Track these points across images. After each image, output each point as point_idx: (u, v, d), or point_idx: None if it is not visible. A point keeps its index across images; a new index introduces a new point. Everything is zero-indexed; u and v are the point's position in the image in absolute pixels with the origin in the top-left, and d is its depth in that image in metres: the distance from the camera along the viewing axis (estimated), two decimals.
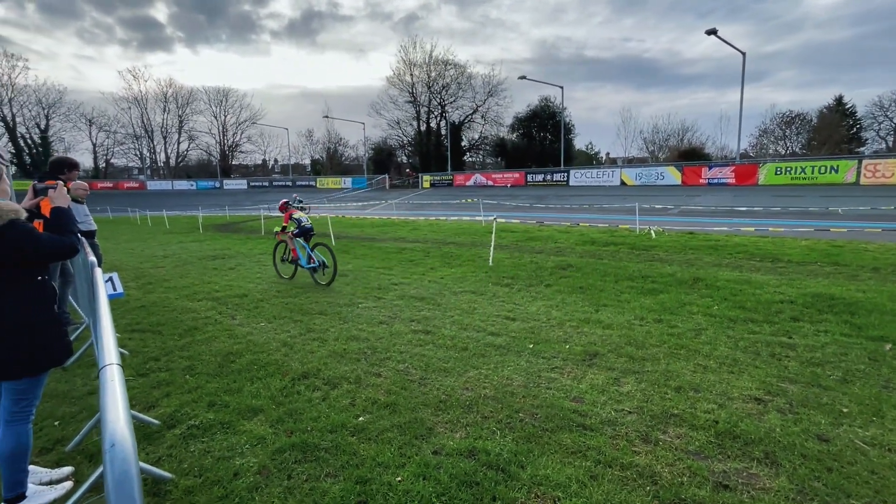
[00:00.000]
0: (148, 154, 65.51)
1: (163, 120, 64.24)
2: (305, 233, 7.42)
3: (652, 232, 11.79)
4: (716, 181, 27.70)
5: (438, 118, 55.56)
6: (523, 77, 38.18)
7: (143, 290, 7.41)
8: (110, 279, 4.40)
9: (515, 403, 3.20)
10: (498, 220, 10.20)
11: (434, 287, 6.91)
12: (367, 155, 57.06)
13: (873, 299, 5.33)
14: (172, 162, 66.03)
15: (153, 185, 56.32)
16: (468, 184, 41.11)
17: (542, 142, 49.74)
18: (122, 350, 4.30)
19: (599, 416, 2.99)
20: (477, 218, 17.42)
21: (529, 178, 37.33)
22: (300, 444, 2.75)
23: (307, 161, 68.60)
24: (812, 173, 24.53)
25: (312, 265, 7.29)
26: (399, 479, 2.40)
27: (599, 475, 2.41)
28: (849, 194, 20.73)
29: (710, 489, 2.29)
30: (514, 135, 52.27)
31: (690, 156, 41.66)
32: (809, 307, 5.16)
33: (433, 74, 53.71)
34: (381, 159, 56.87)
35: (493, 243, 9.12)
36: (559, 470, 2.45)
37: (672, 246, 9.83)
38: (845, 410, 2.99)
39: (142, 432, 2.92)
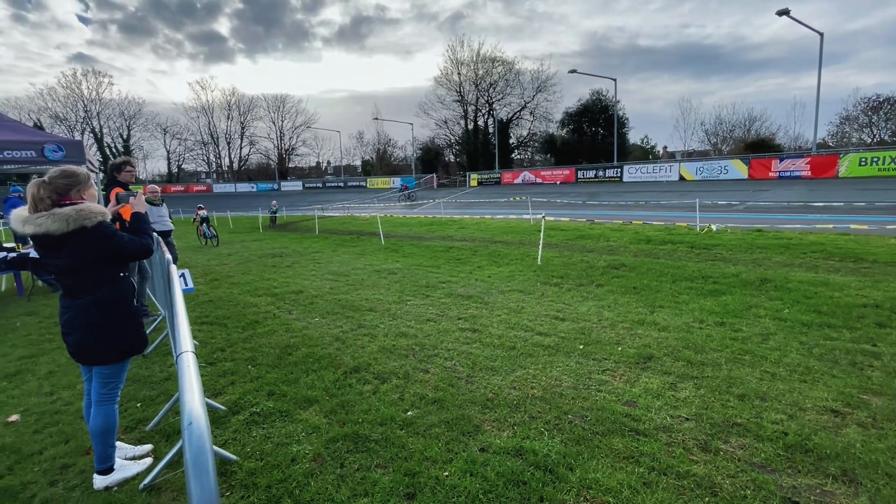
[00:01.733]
0: (214, 159, 70.38)
1: (227, 127, 68.83)
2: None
3: (713, 227, 11.09)
4: (788, 174, 25.55)
5: (486, 116, 55.36)
6: (574, 70, 37.14)
7: (210, 285, 7.99)
8: (182, 275, 4.79)
9: (564, 405, 3.14)
10: (547, 218, 10.01)
11: (481, 285, 6.91)
12: (414, 155, 57.93)
13: None
14: (235, 166, 70.52)
15: (219, 187, 60.43)
16: (516, 182, 40.63)
17: (593, 137, 48.16)
18: (195, 342, 4.67)
19: (654, 422, 2.87)
20: (525, 216, 17.19)
21: (580, 174, 36.28)
22: (352, 434, 2.86)
23: (358, 162, 70.81)
24: None
25: None
26: (446, 473, 2.44)
27: (653, 482, 2.31)
28: None
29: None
30: (564, 130, 50.98)
31: (759, 147, 38.65)
32: None
33: (480, 72, 53.57)
34: (429, 159, 57.52)
35: (541, 241, 8.97)
36: (610, 475, 2.38)
37: (737, 245, 9.20)
38: None
39: (211, 417, 3.16)
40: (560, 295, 6.15)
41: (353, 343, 4.56)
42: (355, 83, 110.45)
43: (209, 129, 68.21)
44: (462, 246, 11.24)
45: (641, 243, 10.19)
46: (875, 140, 46.50)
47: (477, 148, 53.86)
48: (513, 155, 56.11)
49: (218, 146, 69.78)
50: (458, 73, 54.34)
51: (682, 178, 30.14)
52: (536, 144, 55.90)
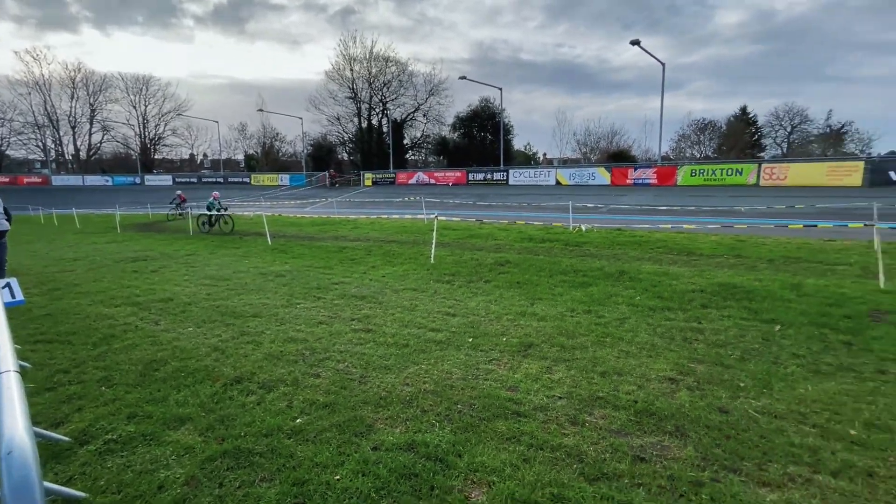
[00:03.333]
0: (53, 145, 58.76)
1: (71, 108, 57.95)
2: None
3: (582, 227, 12.49)
4: (640, 181, 29.81)
5: (380, 115, 54.86)
6: (463, 77, 38.74)
7: (48, 296, 6.68)
8: (7, 285, 3.94)
9: (454, 396, 3.29)
10: (439, 218, 10.31)
11: (376, 285, 6.87)
12: (305, 151, 55.08)
13: (767, 287, 6.05)
14: (83, 154, 59.70)
15: (59, 179, 50.66)
16: (411, 182, 41.01)
17: (482, 141, 50.72)
18: (24, 363, 3.87)
19: (532, 403, 3.16)
20: (419, 216, 17.45)
21: (471, 176, 37.97)
22: (232, 450, 2.65)
23: (240, 156, 64.98)
24: (721, 175, 27.16)
25: None
26: (338, 477, 2.40)
27: (531, 458, 2.55)
28: (750, 194, 23.20)
29: (629, 462, 2.51)
30: (456, 134, 52.83)
31: (619, 157, 44.46)
32: (716, 295, 5.76)
33: (374, 71, 52.90)
34: (321, 156, 55.15)
35: (434, 241, 9.21)
36: (494, 456, 2.56)
37: (601, 242, 10.49)
38: (742, 385, 3.38)
39: (49, 451, 2.66)
40: (452, 291, 6.40)
41: (234, 352, 4.20)
42: (235, 70, 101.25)
43: (45, 109, 56.70)
44: (356, 246, 11.02)
45: (524, 241, 11.06)
46: (702, 155, 56.46)
47: (371, 147, 53.12)
48: (407, 155, 56.48)
49: (58, 130, 58.42)
50: (352, 70, 52.96)
51: (558, 183, 33.32)
52: (430, 146, 57.04)
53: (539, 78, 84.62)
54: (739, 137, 52.62)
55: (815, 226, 9.25)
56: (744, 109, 53.49)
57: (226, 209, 16.17)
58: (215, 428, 2.90)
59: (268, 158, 61.10)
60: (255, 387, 3.48)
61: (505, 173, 36.33)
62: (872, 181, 22.48)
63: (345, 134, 56.91)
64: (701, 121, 56.44)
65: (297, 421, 2.96)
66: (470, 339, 4.43)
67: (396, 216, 18.44)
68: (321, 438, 2.76)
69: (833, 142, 52.28)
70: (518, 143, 57.47)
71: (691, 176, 28.19)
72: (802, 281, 6.34)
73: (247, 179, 50.07)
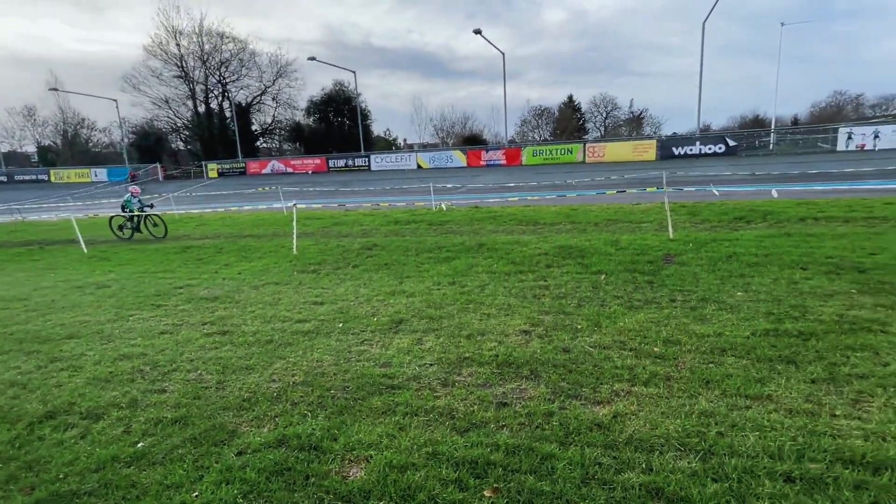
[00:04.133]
0: None
1: None
2: None
3: (443, 206, 13.08)
4: (492, 163, 32.27)
5: (220, 98, 48.86)
6: (313, 58, 36.65)
7: None
8: None
9: (326, 382, 3.19)
10: (300, 207, 9.72)
11: (230, 284, 6.21)
12: (125, 140, 46.29)
13: (594, 245, 7.15)
14: None
15: None
16: (265, 171, 37.72)
17: (340, 127, 49.00)
18: None
19: (406, 374, 3.24)
20: (276, 206, 16.21)
21: (331, 163, 36.50)
22: (48, 498, 2.17)
23: (31, 148, 51.73)
24: (556, 155, 30.99)
25: None
26: (195, 494, 2.14)
27: (406, 425, 2.63)
28: (579, 170, 27.00)
29: (494, 409, 2.76)
30: (311, 119, 50.02)
31: (472, 141, 47.36)
32: (557, 256, 6.60)
33: (207, 47, 46.62)
34: (149, 145, 47.01)
35: (294, 231, 8.68)
36: (370, 431, 2.58)
37: (462, 219, 11.13)
38: (579, 327, 3.97)
39: None
40: (318, 281, 6.14)
41: (41, 384, 3.40)
42: (9, 40, 79.14)
43: None
44: (203, 244, 9.77)
45: (391, 224, 11.12)
46: (542, 138, 63.35)
47: (213, 134, 47.09)
48: (258, 143, 51.66)
49: None
50: (178, 45, 45.74)
51: (419, 167, 34.13)
52: (284, 132, 53.03)
53: (394, 63, 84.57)
54: (569, 122, 60.37)
55: (625, 191, 11.20)
56: (570, 98, 61.33)
57: (150, 206, 12.50)
58: (20, 477, 2.33)
59: (73, 150, 49.82)
60: (77, 418, 2.88)
61: (367, 159, 35.80)
62: (662, 156, 28.04)
63: (178, 119, 49.41)
64: (538, 107, 63.11)
65: (139, 445, 2.55)
66: (340, 325, 4.32)
67: (250, 208, 16.81)
68: (172, 457, 2.43)
69: (635, 125, 63.41)
70: (377, 129, 57.07)
71: (533, 156, 31.51)
72: (619, 238, 7.64)
73: (44, 176, 40.32)
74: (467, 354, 3.52)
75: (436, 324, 4.22)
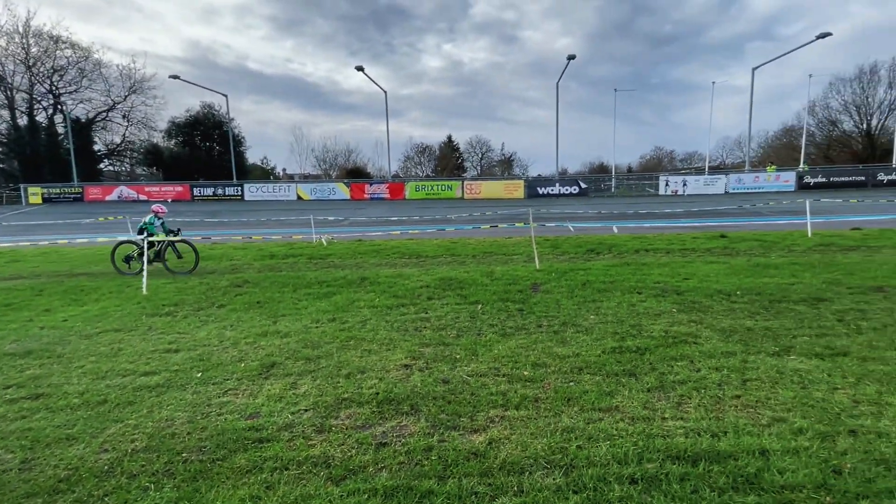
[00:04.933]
0: None
1: None
2: None
3: (323, 240, 12.65)
4: (376, 196, 32.45)
5: (52, 111, 41.22)
6: (176, 76, 33.34)
7: None
8: None
9: (177, 445, 2.75)
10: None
11: (51, 335, 5.08)
12: None
13: (472, 276, 7.55)
14: None
15: None
16: (109, 198, 32.38)
17: (209, 152, 44.81)
18: None
19: (276, 424, 2.97)
20: (121, 237, 13.93)
21: (197, 191, 32.92)
22: None
23: None
24: (437, 190, 32.49)
25: None
26: None
27: (276, 482, 2.38)
28: (459, 205, 28.64)
29: (373, 451, 2.66)
30: (173, 142, 44.88)
31: (356, 174, 47.21)
32: (438, 288, 6.81)
33: (35, 51, 39.37)
34: None
35: (145, 268, 7.53)
36: (231, 495, 2.27)
37: (344, 252, 10.86)
38: (458, 357, 4.10)
39: None
40: (173, 325, 5.36)
41: None
42: None
43: None
44: (15, 286, 7.89)
45: (265, 259, 10.33)
46: (424, 174, 65.90)
47: (38, 152, 39.15)
48: (102, 165, 44.43)
49: None
50: None
51: (299, 198, 32.69)
52: (137, 155, 46.53)
53: (271, 90, 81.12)
54: (449, 160, 64.08)
55: (497, 226, 12.16)
56: (450, 138, 65.54)
57: (177, 232, 9.14)
58: None
59: None
60: None
61: (239, 188, 33.13)
62: (529, 194, 31.28)
63: None
64: (420, 145, 66.02)
65: None
66: (199, 374, 3.81)
67: (85, 241, 14.16)
68: None
69: (506, 166, 69.84)
70: (253, 157, 53.54)
71: (416, 191, 32.54)
72: (494, 269, 8.20)
73: None
74: (346, 395, 3.37)
75: (313, 364, 3.97)
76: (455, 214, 21.33)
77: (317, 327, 5.08)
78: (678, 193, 30.16)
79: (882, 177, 29.33)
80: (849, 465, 2.33)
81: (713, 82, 39.86)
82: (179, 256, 9.27)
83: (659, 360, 3.83)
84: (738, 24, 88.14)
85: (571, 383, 3.47)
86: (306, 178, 50.36)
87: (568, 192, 31.66)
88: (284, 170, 58.82)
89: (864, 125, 46.46)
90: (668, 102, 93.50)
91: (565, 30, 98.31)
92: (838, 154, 47.85)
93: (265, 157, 58.79)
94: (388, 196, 32.35)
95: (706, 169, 39.35)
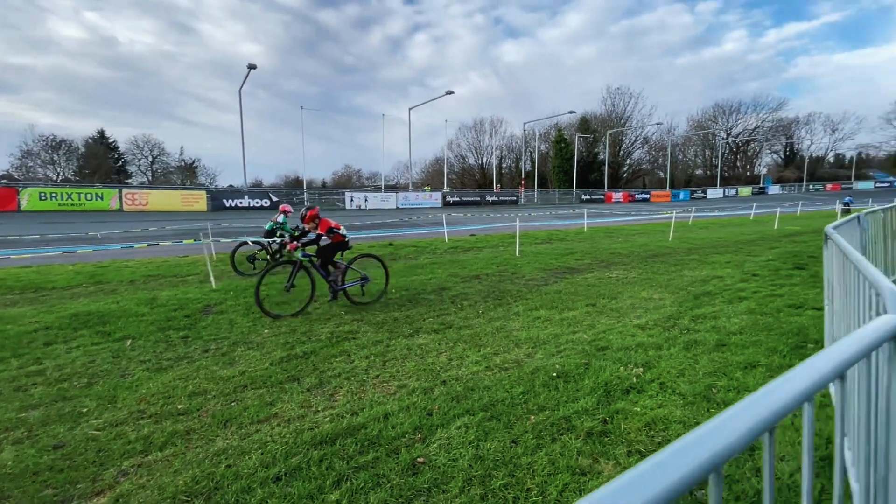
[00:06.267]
0: None
1: None
2: None
3: None
4: None
5: None
6: None
7: None
8: None
9: None
10: None
11: None
12: None
13: (124, 307, 6.21)
14: None
15: None
16: None
17: None
18: None
19: None
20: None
21: None
22: None
23: None
24: (81, 200, 24.82)
25: None
26: None
27: None
28: (114, 219, 22.80)
29: None
30: None
31: None
32: (66, 328, 5.26)
33: None
34: None
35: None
36: None
37: None
38: (85, 410, 3.31)
39: None
40: None
41: None
42: None
43: None
44: None
45: None
46: (61, 177, 49.24)
47: None
48: None
49: None
50: None
51: None
52: None
53: None
54: (103, 161, 50.28)
55: (157, 244, 10.45)
56: (102, 133, 51.51)
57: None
58: None
59: None
60: None
61: None
62: (214, 207, 28.27)
63: None
64: (52, 138, 49.07)
65: None
66: None
67: None
68: None
69: (189, 174, 60.66)
70: None
71: (41, 200, 23.89)
72: (158, 294, 7.01)
73: None
74: None
75: None
76: (106, 231, 16.85)
77: None
78: (361, 207, 33.98)
79: (489, 198, 42.05)
80: (437, 407, 3.27)
81: (383, 115, 46.93)
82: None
83: (322, 361, 4.24)
84: (403, 69, 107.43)
85: (233, 403, 3.40)
86: None
87: (258, 204, 30.43)
88: None
89: (480, 161, 65.77)
90: (356, 125, 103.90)
91: (251, 36, 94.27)
92: (468, 180, 65.85)
93: None
94: None
95: (383, 187, 45.96)
